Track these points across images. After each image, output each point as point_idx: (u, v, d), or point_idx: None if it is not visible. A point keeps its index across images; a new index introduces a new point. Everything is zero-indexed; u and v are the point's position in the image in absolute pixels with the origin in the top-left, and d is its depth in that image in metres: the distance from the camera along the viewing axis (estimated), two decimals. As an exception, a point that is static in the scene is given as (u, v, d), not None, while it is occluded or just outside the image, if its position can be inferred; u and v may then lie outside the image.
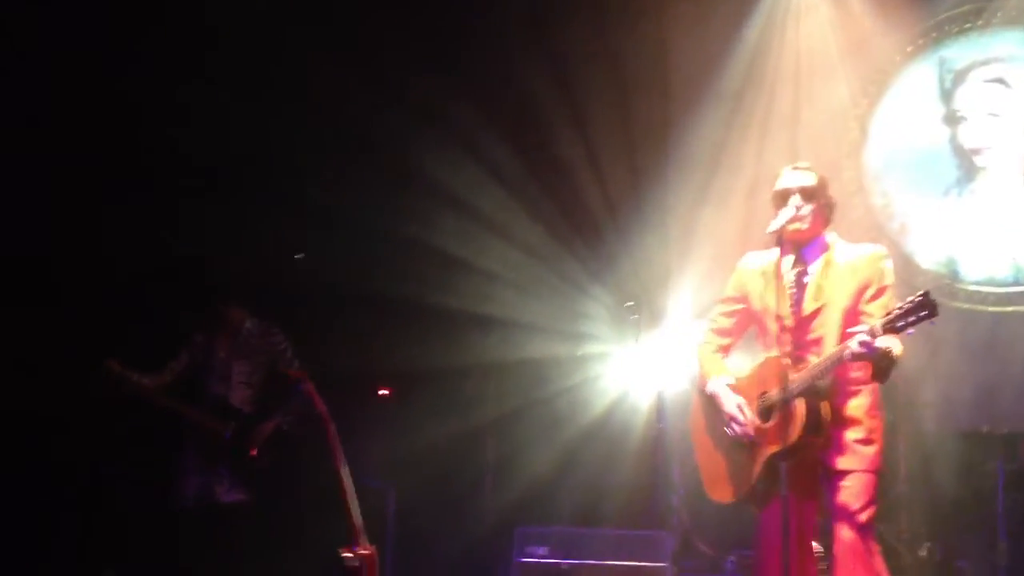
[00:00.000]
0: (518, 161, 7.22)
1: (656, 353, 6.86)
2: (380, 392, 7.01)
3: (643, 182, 7.38)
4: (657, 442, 6.76)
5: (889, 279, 4.14)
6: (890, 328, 3.75)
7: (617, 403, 7.04)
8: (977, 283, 7.09)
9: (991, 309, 7.01)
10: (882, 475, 4.15)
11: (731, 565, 6.42)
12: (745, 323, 4.46)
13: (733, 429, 4.22)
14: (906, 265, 7.19)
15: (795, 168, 4.30)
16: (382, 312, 6.80)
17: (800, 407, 3.96)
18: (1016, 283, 7.00)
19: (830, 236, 4.27)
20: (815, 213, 4.19)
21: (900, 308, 3.73)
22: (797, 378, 3.99)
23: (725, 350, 4.49)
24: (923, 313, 3.68)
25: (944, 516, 6.36)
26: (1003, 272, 7.04)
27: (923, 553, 6.33)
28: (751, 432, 4.16)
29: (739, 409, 4.20)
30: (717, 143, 7.25)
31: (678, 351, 6.71)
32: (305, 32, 6.62)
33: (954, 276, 7.15)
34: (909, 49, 7.33)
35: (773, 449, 4.03)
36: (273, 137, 6.64)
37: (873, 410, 4.11)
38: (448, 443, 6.86)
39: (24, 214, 6.13)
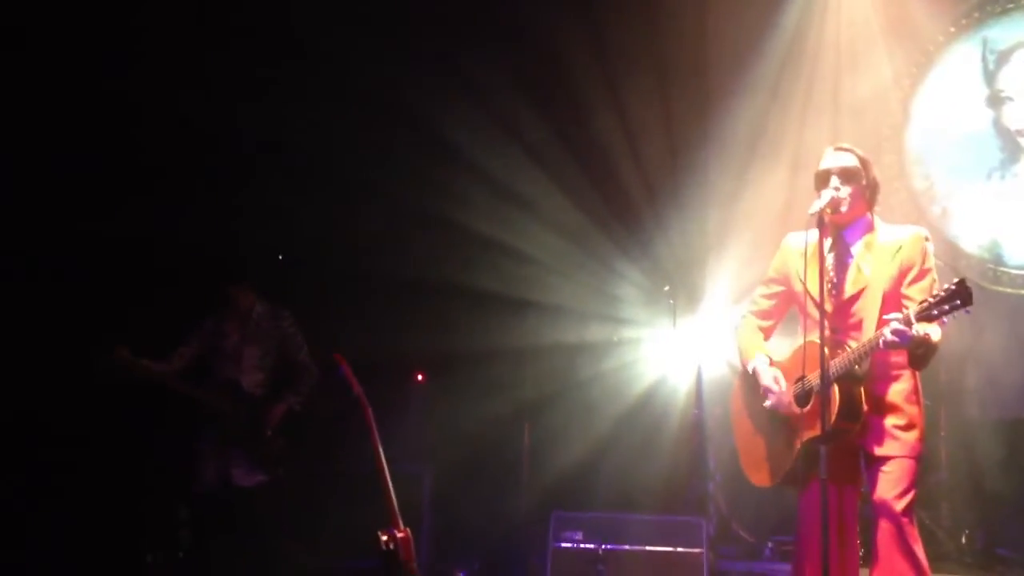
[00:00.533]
0: (557, 143, 7.17)
1: (693, 337, 6.81)
2: (417, 377, 7.01)
3: (682, 165, 7.33)
4: (694, 427, 6.74)
5: (931, 261, 4.07)
6: (924, 316, 3.71)
7: (654, 388, 7.01)
8: (1021, 267, 6.99)
9: (1040, 293, 6.91)
10: (924, 461, 4.10)
11: (769, 551, 6.38)
12: (785, 305, 4.41)
13: (769, 399, 4.20)
14: (949, 250, 7.11)
15: (837, 149, 4.23)
16: (417, 294, 6.79)
17: (837, 392, 3.92)
18: (1065, 266, 6.89)
19: (873, 218, 4.20)
20: (855, 194, 4.12)
21: (934, 297, 3.70)
22: (835, 363, 3.94)
23: (766, 332, 4.44)
24: (958, 301, 3.64)
25: (985, 503, 6.29)
26: (1050, 255, 6.93)
27: (963, 540, 6.26)
28: (787, 402, 4.13)
29: (775, 380, 4.18)
30: (757, 125, 7.18)
31: (715, 335, 6.67)
32: (339, 4, 6.54)
33: (998, 260, 7.06)
34: (952, 30, 7.23)
35: (811, 434, 4.01)
36: (306, 119, 6.59)
37: (913, 396, 4.05)
38: (484, 427, 6.83)
39: (26, 199, 6.11)
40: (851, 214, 4.14)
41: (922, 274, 4.03)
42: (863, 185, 4.15)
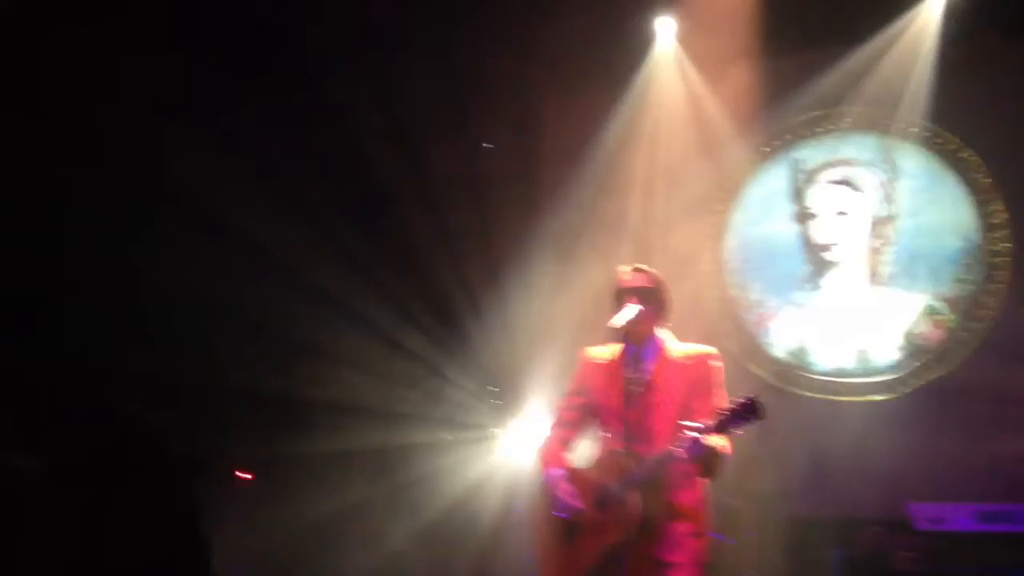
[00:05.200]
0: (375, 248, 7.25)
1: (516, 438, 6.94)
2: (241, 476, 6.91)
3: (502, 268, 7.50)
4: (518, 526, 6.83)
5: (717, 378, 4.34)
6: (718, 430, 3.96)
7: (478, 488, 7.08)
8: (827, 374, 7.43)
9: (840, 398, 7.34)
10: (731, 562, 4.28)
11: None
12: (588, 416, 4.59)
13: (560, 513, 4.37)
14: (761, 355, 7.50)
15: (634, 269, 4.50)
16: (238, 400, 6.69)
17: (635, 500, 4.10)
18: (864, 374, 7.36)
19: (664, 334, 4.46)
20: (650, 312, 4.38)
21: (726, 412, 3.95)
22: (633, 472, 4.13)
23: (567, 443, 4.61)
24: (750, 416, 3.90)
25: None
26: (850, 363, 7.38)
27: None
28: (577, 516, 4.30)
29: (569, 495, 4.35)
30: (576, 232, 7.45)
31: (536, 437, 6.81)
32: (165, 113, 6.52)
33: (804, 366, 7.48)
34: (765, 150, 7.71)
35: (610, 540, 4.16)
36: (120, 217, 6.51)
37: (703, 504, 4.27)
38: (308, 532, 6.77)
39: None
40: (646, 330, 4.39)
41: (709, 391, 4.29)
42: (657, 303, 4.42)
